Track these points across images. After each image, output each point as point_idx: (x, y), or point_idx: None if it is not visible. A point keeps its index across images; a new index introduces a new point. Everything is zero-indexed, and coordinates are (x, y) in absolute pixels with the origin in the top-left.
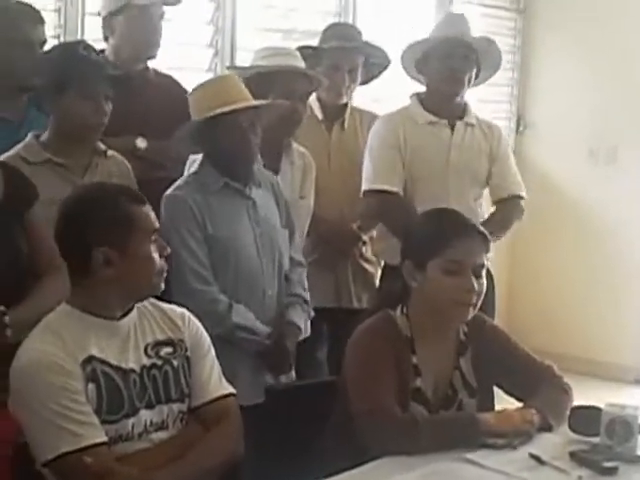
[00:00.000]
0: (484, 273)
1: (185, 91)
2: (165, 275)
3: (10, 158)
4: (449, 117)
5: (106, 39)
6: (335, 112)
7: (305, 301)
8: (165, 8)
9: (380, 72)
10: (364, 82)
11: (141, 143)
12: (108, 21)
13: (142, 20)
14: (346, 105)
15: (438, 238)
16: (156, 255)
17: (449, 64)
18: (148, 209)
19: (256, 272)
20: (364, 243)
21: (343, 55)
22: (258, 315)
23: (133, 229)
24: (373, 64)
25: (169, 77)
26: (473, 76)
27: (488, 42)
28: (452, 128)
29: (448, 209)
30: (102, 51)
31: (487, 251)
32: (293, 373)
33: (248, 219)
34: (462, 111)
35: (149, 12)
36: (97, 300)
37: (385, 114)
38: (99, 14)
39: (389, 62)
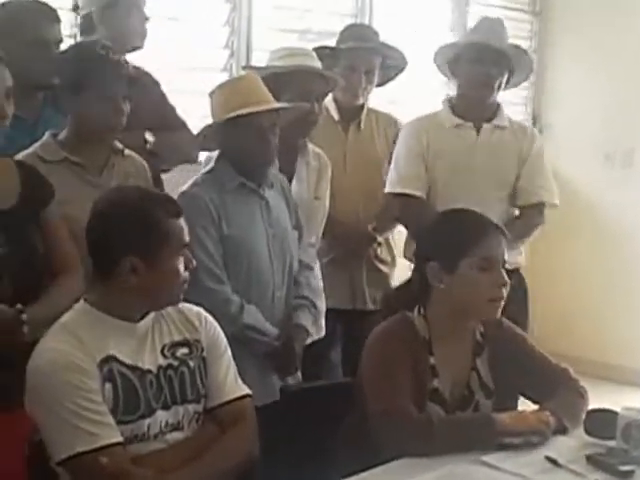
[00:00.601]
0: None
1: (157, 82)
2: (186, 286)
3: (27, 156)
4: (476, 119)
5: (82, 33)
6: (351, 113)
7: (313, 304)
8: (180, 8)
9: (397, 74)
10: (380, 84)
11: (150, 137)
12: (88, 18)
13: (131, 13)
14: (362, 106)
15: (467, 237)
16: (182, 268)
17: (479, 69)
18: (182, 222)
19: (267, 273)
20: (379, 244)
21: (360, 56)
22: (267, 316)
23: (165, 243)
24: (389, 66)
25: (142, 69)
26: (504, 81)
27: (520, 50)
28: (478, 130)
29: (466, 209)
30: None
31: (506, 247)
32: (299, 374)
33: (262, 220)
34: (492, 113)
35: (137, 5)
36: (117, 303)
37: (412, 120)
38: (74, 10)
39: (406, 64)
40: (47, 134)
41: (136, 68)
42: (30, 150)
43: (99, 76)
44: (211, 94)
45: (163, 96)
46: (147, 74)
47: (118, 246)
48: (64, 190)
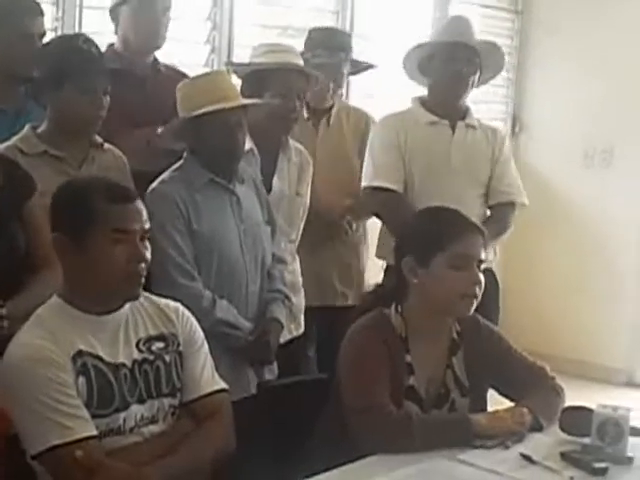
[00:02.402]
0: (482, 267)
1: None
2: (142, 282)
3: (6, 149)
4: (450, 118)
5: (116, 31)
6: (321, 111)
7: (287, 297)
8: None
9: (366, 69)
10: (351, 74)
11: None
12: (114, 12)
13: (144, 11)
14: (332, 106)
15: (442, 233)
16: (120, 257)
17: (453, 67)
18: (123, 208)
19: (239, 268)
20: (350, 226)
21: (327, 68)
22: (240, 311)
23: (92, 223)
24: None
25: (176, 69)
26: (476, 79)
27: (492, 46)
28: (453, 128)
29: (446, 207)
30: (112, 44)
31: (484, 247)
32: (275, 367)
33: (232, 215)
34: (463, 113)
35: (151, 3)
36: (78, 294)
37: (386, 115)
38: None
39: (373, 67)
40: (27, 127)
41: (167, 67)
42: (9, 142)
43: (79, 69)
44: (178, 90)
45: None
46: (180, 73)
47: (51, 223)
48: (43, 183)
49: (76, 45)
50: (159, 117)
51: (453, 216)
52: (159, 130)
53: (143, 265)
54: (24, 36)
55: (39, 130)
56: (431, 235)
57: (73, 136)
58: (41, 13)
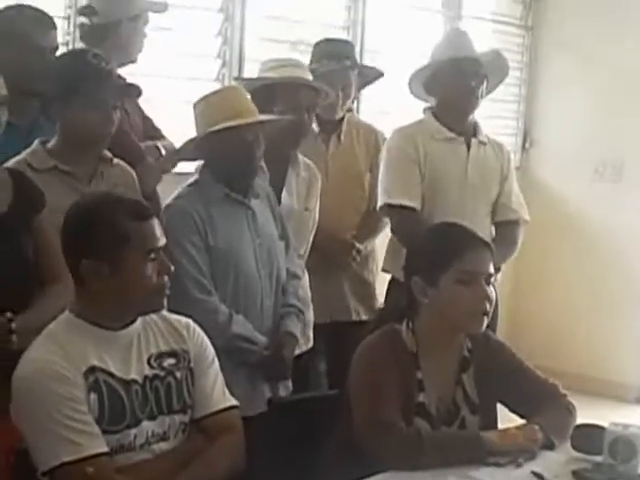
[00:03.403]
0: (493, 282)
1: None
2: (167, 293)
3: (16, 164)
4: (464, 134)
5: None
6: (332, 125)
7: (300, 311)
8: (173, 18)
9: (375, 79)
10: (360, 88)
11: (162, 148)
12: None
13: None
14: (342, 119)
15: (448, 251)
16: (152, 273)
17: (462, 82)
18: (150, 225)
19: (255, 283)
20: (359, 252)
21: (335, 76)
22: (256, 325)
23: (126, 245)
24: (368, 73)
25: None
26: (484, 89)
27: (495, 54)
28: (468, 145)
29: (452, 222)
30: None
31: (493, 261)
32: (290, 384)
33: (248, 230)
34: (474, 129)
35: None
36: (95, 310)
37: (400, 127)
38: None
39: (382, 74)
40: (36, 142)
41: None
42: (19, 157)
43: (89, 85)
44: (194, 106)
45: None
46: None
47: (77, 249)
48: (53, 198)
49: (85, 60)
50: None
51: (458, 232)
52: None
53: (167, 277)
54: (36, 50)
55: (49, 145)
56: (437, 254)
57: (82, 151)
58: (54, 26)
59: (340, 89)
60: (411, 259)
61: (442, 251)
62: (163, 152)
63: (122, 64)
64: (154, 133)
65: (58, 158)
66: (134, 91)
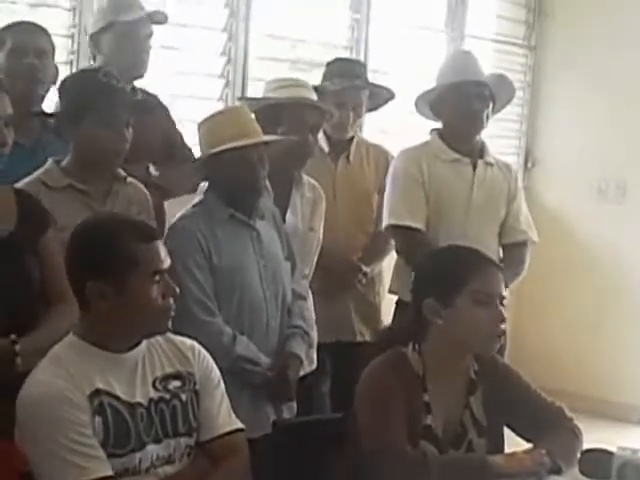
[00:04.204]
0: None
1: (167, 108)
2: (172, 315)
3: (31, 183)
4: (470, 155)
5: (94, 58)
6: (341, 145)
7: (305, 332)
8: (177, 37)
9: (386, 101)
10: (370, 110)
11: (154, 171)
12: (95, 39)
13: (127, 39)
14: (352, 138)
15: (464, 271)
16: (157, 295)
17: (466, 106)
18: (155, 247)
19: (259, 304)
20: (365, 274)
21: (347, 94)
22: (261, 346)
23: (132, 267)
24: (378, 95)
25: (154, 96)
26: (490, 111)
27: (499, 78)
28: (474, 167)
29: (463, 245)
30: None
31: (505, 284)
32: (294, 405)
33: (253, 251)
34: (480, 150)
35: (135, 31)
36: (100, 333)
37: (406, 148)
38: (86, 33)
39: (393, 96)
40: (50, 161)
41: (145, 93)
42: (33, 176)
43: (101, 103)
44: (199, 126)
45: (172, 123)
46: (156, 99)
47: (81, 271)
48: (69, 217)
49: (96, 79)
50: (139, 147)
51: (472, 253)
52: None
53: (172, 299)
54: (31, 52)
55: (63, 164)
56: (453, 274)
57: (96, 170)
58: (46, 33)
59: (351, 108)
60: (421, 281)
61: (457, 271)
62: (154, 173)
63: (130, 79)
64: (181, 152)
65: (72, 176)
66: (148, 106)
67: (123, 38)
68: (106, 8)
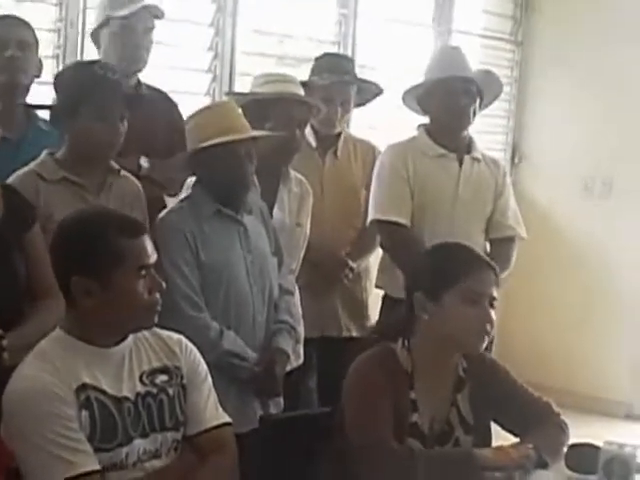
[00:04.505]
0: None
1: (175, 104)
2: (158, 310)
3: (25, 175)
4: (457, 151)
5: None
6: (329, 141)
7: (292, 327)
8: (164, 32)
9: (374, 97)
10: (358, 105)
11: (144, 163)
12: (95, 36)
13: (124, 34)
14: (340, 134)
15: (456, 268)
16: (143, 290)
17: (452, 101)
18: (141, 242)
19: (246, 299)
20: (352, 270)
21: (335, 89)
22: (247, 341)
23: (117, 263)
24: (366, 90)
25: (161, 91)
26: (477, 107)
27: (486, 74)
28: (460, 162)
29: (459, 243)
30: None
31: (497, 285)
32: (281, 401)
33: (240, 246)
34: (468, 145)
35: (130, 26)
36: (86, 327)
37: (393, 144)
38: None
39: (382, 91)
40: (44, 153)
41: (151, 89)
42: (28, 168)
43: (95, 96)
44: (187, 120)
45: (179, 119)
46: (162, 94)
47: (66, 266)
48: (64, 209)
49: (92, 71)
50: (142, 142)
51: (467, 252)
52: (142, 160)
53: (159, 294)
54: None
55: (57, 156)
56: (445, 270)
57: (90, 162)
58: (29, 27)
59: (339, 104)
60: (414, 276)
61: (449, 268)
62: (145, 166)
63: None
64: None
65: (67, 169)
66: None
67: (120, 33)
68: (106, 4)
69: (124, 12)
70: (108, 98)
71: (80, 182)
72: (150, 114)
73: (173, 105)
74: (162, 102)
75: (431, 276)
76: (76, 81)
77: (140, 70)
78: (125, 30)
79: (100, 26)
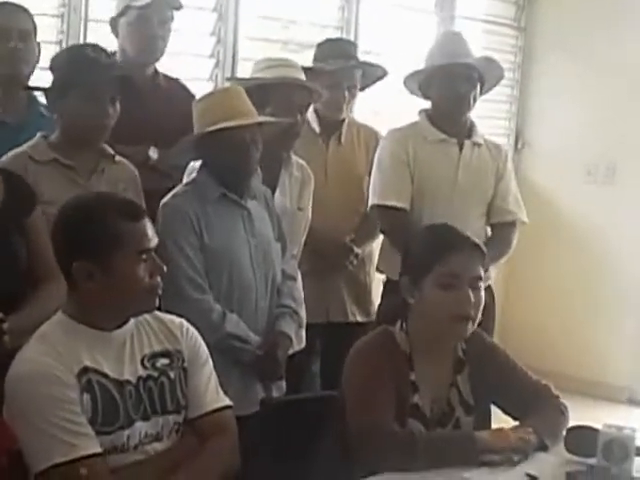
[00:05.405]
0: (481, 285)
1: (192, 95)
2: (159, 293)
3: (17, 155)
4: (457, 136)
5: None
6: (333, 126)
7: (295, 311)
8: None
9: (375, 81)
10: (361, 89)
11: (153, 153)
12: (113, 24)
13: (140, 24)
14: (343, 120)
15: (431, 254)
16: (144, 274)
17: (452, 88)
18: (142, 226)
19: (249, 283)
20: (356, 256)
21: (342, 74)
22: (250, 325)
23: (117, 246)
24: (370, 74)
25: (177, 81)
26: (478, 93)
27: (488, 61)
28: (460, 147)
29: (442, 224)
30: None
31: (483, 263)
32: (284, 384)
33: (244, 230)
34: (469, 130)
35: (146, 16)
36: (87, 311)
37: (394, 129)
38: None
39: (386, 73)
40: (38, 135)
41: (168, 79)
42: (20, 150)
43: (84, 77)
44: (194, 105)
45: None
46: (178, 83)
47: (68, 251)
48: (52, 191)
49: (83, 53)
50: (157, 133)
51: (444, 234)
52: (150, 151)
53: (160, 277)
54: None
55: (50, 139)
56: (421, 256)
57: (81, 145)
58: (28, 14)
59: (346, 88)
60: (403, 259)
61: (426, 253)
62: (153, 157)
63: (140, 64)
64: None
65: (59, 151)
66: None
67: (136, 23)
68: None
69: (142, 2)
70: (97, 80)
71: (71, 164)
72: (167, 104)
73: (190, 95)
74: (179, 92)
75: (412, 262)
76: (67, 63)
77: (157, 60)
78: (140, 20)
79: (119, 15)
